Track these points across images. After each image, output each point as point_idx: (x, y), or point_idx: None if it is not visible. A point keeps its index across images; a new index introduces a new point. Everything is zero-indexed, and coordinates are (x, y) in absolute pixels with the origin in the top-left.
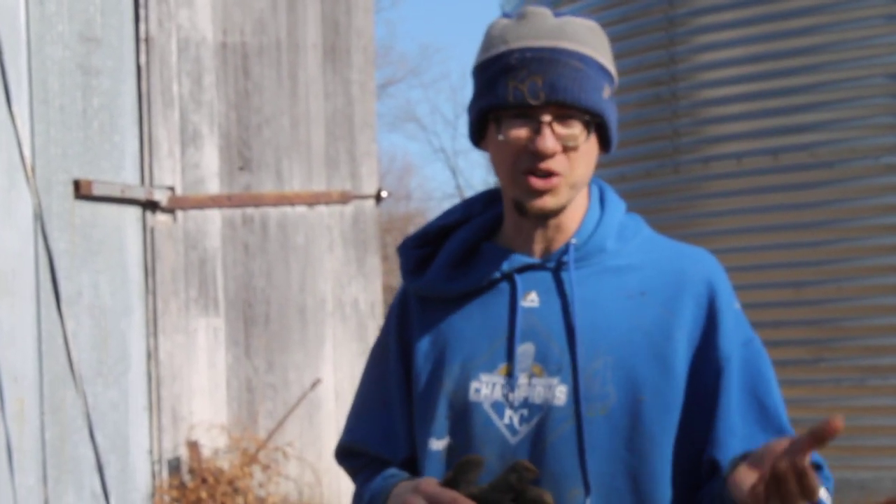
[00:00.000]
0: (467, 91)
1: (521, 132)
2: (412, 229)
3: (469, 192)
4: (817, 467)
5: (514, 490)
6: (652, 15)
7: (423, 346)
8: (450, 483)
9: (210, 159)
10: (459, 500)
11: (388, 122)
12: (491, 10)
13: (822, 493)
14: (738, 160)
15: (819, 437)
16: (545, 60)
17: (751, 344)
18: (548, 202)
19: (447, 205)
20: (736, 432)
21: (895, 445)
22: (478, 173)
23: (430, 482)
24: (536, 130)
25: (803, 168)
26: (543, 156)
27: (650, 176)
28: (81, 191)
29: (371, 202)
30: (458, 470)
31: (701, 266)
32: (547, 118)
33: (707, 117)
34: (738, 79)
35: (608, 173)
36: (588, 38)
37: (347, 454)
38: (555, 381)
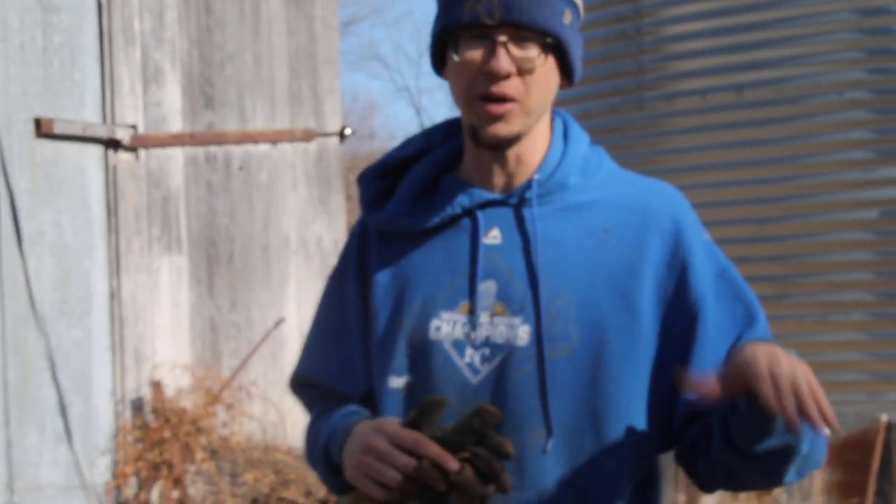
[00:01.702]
0: (430, 29)
1: (476, 53)
2: None
3: None
4: None
5: (477, 434)
6: None
7: (383, 280)
8: (412, 423)
9: (172, 97)
10: (422, 442)
11: (352, 60)
12: None
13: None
14: (702, 96)
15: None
16: None
17: (724, 274)
18: (501, 129)
19: None
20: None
21: (857, 380)
22: (442, 111)
23: (392, 422)
24: (491, 51)
25: (767, 104)
26: (497, 77)
27: (614, 112)
28: (42, 129)
29: (335, 140)
30: (420, 410)
31: (666, 201)
32: (502, 38)
33: (671, 53)
34: (702, 14)
35: (572, 110)
36: None
37: (303, 384)
38: (517, 320)
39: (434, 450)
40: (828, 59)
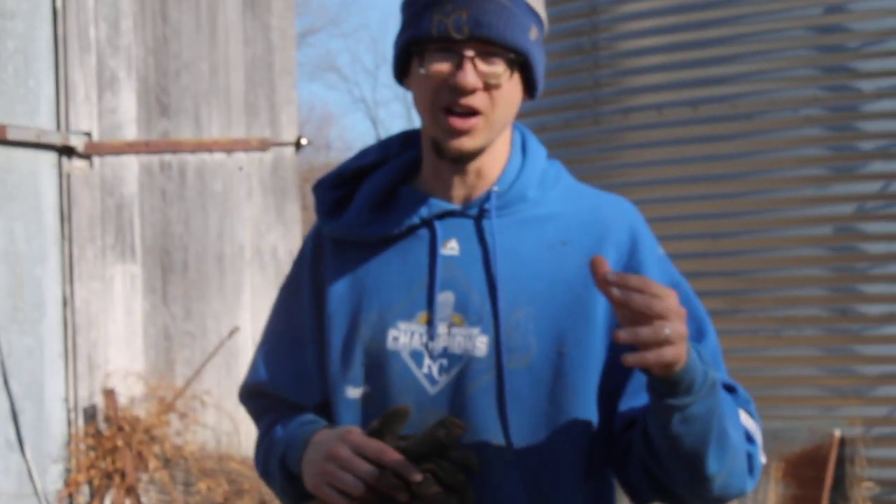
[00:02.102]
0: (388, 41)
1: (442, 66)
2: None
3: None
4: (730, 389)
5: (441, 445)
6: None
7: (338, 290)
8: (375, 433)
9: (127, 105)
10: (386, 452)
11: (308, 71)
12: None
13: (743, 416)
14: (658, 111)
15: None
16: None
17: (676, 289)
18: (465, 143)
19: None
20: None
21: (810, 395)
22: (398, 123)
23: (355, 431)
24: (458, 65)
25: (723, 119)
26: (464, 91)
27: (570, 126)
28: None
29: (290, 150)
30: (383, 420)
31: (622, 214)
32: (470, 53)
33: (627, 68)
34: (658, 30)
35: (528, 123)
36: None
37: (253, 394)
38: (475, 331)
39: (397, 460)
40: (783, 75)
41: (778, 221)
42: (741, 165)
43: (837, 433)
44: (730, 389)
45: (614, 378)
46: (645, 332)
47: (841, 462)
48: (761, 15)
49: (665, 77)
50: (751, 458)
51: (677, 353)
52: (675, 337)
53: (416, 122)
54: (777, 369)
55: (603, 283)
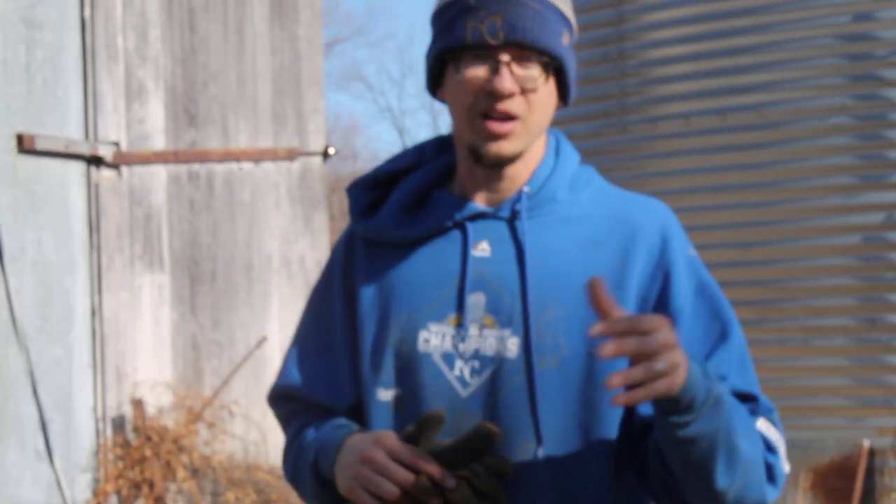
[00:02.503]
0: (414, 51)
1: (479, 71)
2: None
3: None
4: (749, 398)
5: (477, 452)
6: None
7: (369, 291)
8: (410, 438)
9: (155, 115)
10: (421, 457)
11: (334, 81)
12: None
13: (761, 423)
14: (685, 120)
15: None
16: (504, 1)
17: (704, 291)
18: (504, 148)
19: None
20: None
21: (839, 406)
22: (424, 132)
23: (390, 436)
24: (495, 70)
25: (750, 128)
26: (501, 96)
27: (597, 135)
28: (25, 145)
29: (318, 159)
30: (419, 425)
31: (654, 215)
32: (506, 58)
33: (654, 77)
34: (685, 38)
35: None
36: None
37: (283, 398)
38: (506, 332)
39: (432, 466)
40: (810, 84)
41: (806, 231)
42: (769, 174)
43: (866, 444)
44: (749, 398)
45: None
46: (636, 372)
47: (870, 473)
48: (789, 23)
49: (693, 86)
50: (771, 468)
51: (670, 383)
52: (667, 369)
53: (442, 132)
54: (806, 379)
55: (598, 322)
